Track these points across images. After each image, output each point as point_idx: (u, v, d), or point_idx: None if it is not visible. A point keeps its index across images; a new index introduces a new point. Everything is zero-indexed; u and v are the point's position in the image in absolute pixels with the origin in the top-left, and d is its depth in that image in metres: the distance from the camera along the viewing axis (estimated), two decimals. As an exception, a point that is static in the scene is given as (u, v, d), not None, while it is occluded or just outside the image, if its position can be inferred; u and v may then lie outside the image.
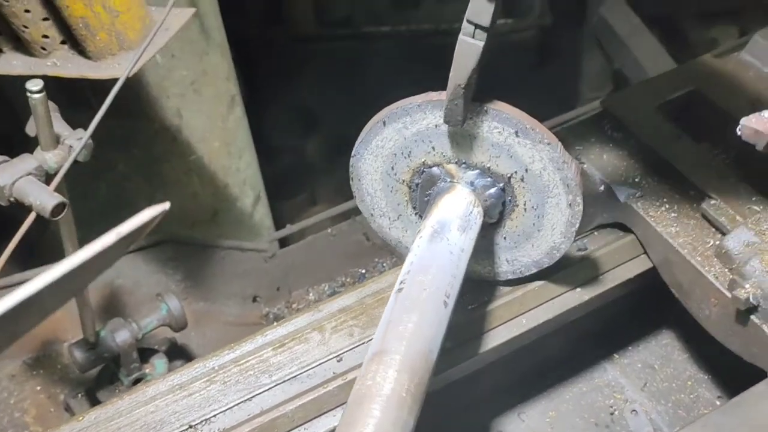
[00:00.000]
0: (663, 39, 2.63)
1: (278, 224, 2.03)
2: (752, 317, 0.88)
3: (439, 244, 0.85)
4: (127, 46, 1.03)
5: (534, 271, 0.98)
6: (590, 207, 1.05)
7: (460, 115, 0.82)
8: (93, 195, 1.59)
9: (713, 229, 0.97)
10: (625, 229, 1.05)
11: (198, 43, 1.48)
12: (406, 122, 0.87)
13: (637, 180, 1.04)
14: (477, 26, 0.76)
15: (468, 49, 0.78)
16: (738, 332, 0.91)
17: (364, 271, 1.83)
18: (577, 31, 2.68)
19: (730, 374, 1.09)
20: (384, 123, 0.88)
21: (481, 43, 0.77)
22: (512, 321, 0.99)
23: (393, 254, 1.76)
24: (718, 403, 1.08)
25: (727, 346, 0.94)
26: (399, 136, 0.88)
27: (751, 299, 0.86)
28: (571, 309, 1.00)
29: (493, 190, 0.89)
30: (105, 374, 1.38)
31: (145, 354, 1.42)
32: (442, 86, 0.89)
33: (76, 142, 0.96)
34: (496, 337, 0.98)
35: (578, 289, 1.01)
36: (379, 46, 2.93)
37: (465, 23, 0.77)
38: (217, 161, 1.66)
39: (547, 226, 0.92)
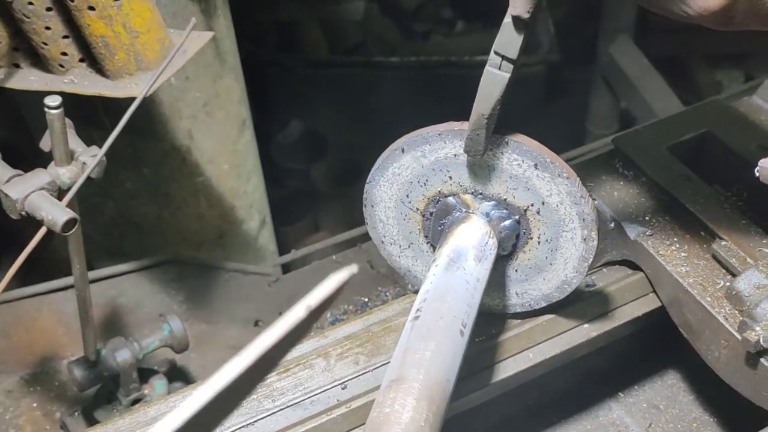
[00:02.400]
0: (669, 80, 2.65)
1: (281, 249, 2.03)
2: (762, 360, 0.87)
3: (455, 272, 0.84)
4: (145, 66, 1.04)
5: (543, 305, 0.97)
6: (600, 243, 1.04)
7: (482, 145, 0.82)
8: (100, 212, 1.59)
9: (724, 271, 0.97)
10: (634, 266, 1.05)
11: (212, 66, 1.49)
12: (425, 150, 0.87)
13: (647, 218, 1.04)
14: (504, 58, 0.77)
15: (494, 79, 0.78)
16: (747, 375, 0.90)
17: (367, 299, 1.82)
18: (585, 68, 2.71)
19: (736, 418, 1.08)
20: (403, 150, 0.88)
21: (508, 75, 0.78)
22: (519, 355, 0.98)
23: (397, 283, 1.75)
24: (723, 448, 1.07)
25: (736, 389, 0.93)
26: (417, 164, 0.88)
27: (761, 342, 0.86)
28: (578, 345, 1.00)
29: (508, 222, 0.89)
30: (103, 393, 1.36)
31: (145, 374, 1.41)
32: (450, 116, 0.90)
33: (90, 159, 0.96)
34: (503, 370, 0.97)
35: (586, 325, 1.01)
36: (389, 75, 2.97)
37: (492, 54, 0.78)
38: (225, 183, 1.66)
39: (560, 260, 0.91)
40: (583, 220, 0.87)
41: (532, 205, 0.88)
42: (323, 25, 3.03)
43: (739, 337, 0.88)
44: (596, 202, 1.07)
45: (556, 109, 3.01)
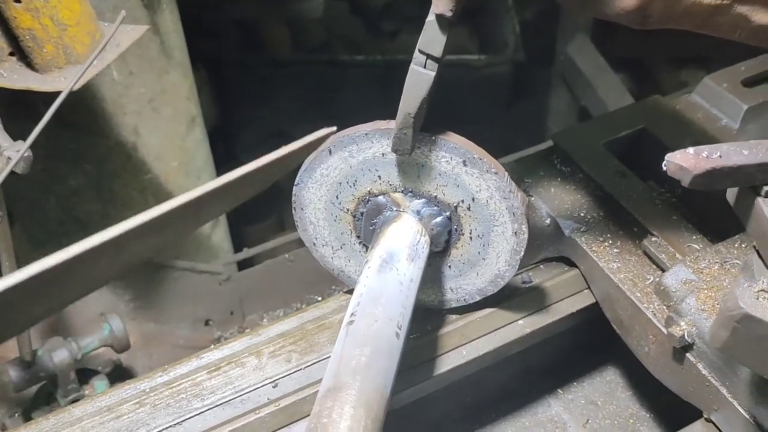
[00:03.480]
0: (634, 81, 2.68)
1: (243, 247, 2.01)
2: (688, 355, 0.88)
3: (388, 274, 0.84)
4: (75, 60, 1.02)
5: (478, 299, 0.98)
6: (536, 240, 1.05)
7: (409, 144, 0.82)
8: (42, 209, 1.56)
9: (654, 266, 0.97)
10: (570, 263, 1.05)
11: (157, 61, 1.47)
12: (352, 151, 0.87)
13: (582, 215, 1.04)
14: (429, 56, 0.77)
15: (419, 78, 0.78)
16: (674, 370, 0.90)
17: (320, 297, 1.82)
18: (548, 68, 2.72)
19: (672, 413, 1.09)
20: (330, 151, 0.87)
21: (433, 73, 0.78)
22: (453, 351, 0.98)
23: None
24: (659, 441, 1.08)
25: (665, 384, 0.94)
26: (345, 164, 0.88)
27: (686, 337, 0.86)
28: (513, 341, 0.99)
29: (439, 219, 0.89)
30: (42, 394, 1.34)
31: (87, 375, 1.39)
32: None
33: (14, 153, 0.94)
34: (436, 367, 0.97)
35: (520, 322, 1.00)
36: (355, 73, 2.96)
37: (417, 53, 0.78)
38: (174, 181, 1.64)
39: (492, 254, 0.92)
40: (513, 214, 0.87)
41: (463, 201, 0.88)
42: (287, 24, 3.01)
43: (666, 332, 0.89)
44: (533, 198, 1.07)
45: (520, 108, 3.02)
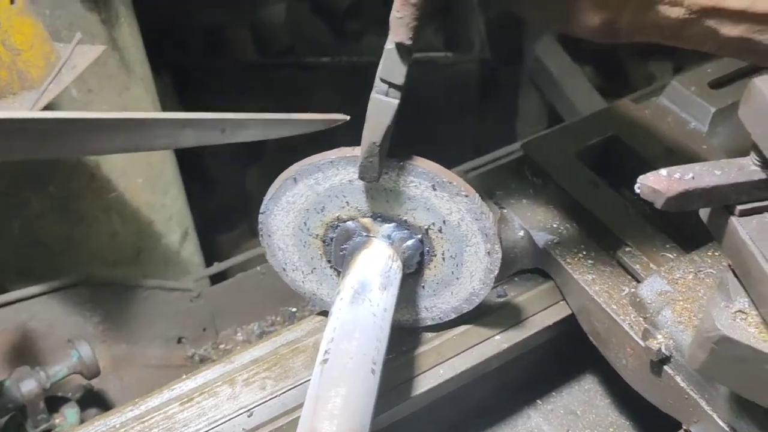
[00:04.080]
0: (603, 74, 2.68)
1: (216, 259, 1.98)
2: (666, 368, 0.87)
3: (361, 306, 0.82)
4: (30, 84, 0.99)
5: (453, 317, 0.97)
6: (510, 253, 1.04)
7: (376, 171, 0.81)
8: (6, 232, 1.51)
9: (629, 277, 0.97)
10: (545, 274, 1.04)
11: (117, 77, 1.43)
12: (318, 178, 0.85)
13: (555, 226, 1.03)
14: (391, 84, 0.75)
15: (382, 107, 0.77)
16: (653, 383, 0.90)
17: (294, 309, 1.79)
18: (515, 68, 2.72)
19: (651, 420, 1.08)
20: (295, 180, 0.85)
21: (396, 101, 0.77)
22: (430, 371, 0.96)
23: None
24: (639, 451, 1.08)
25: (645, 396, 0.93)
26: (311, 192, 0.86)
27: (663, 350, 0.86)
28: (490, 358, 0.98)
29: (410, 242, 0.88)
30: (11, 425, 1.30)
31: (57, 402, 1.35)
32: None
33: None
34: (414, 388, 0.95)
35: (497, 337, 0.99)
36: (321, 76, 2.93)
37: (378, 81, 0.76)
38: (140, 198, 1.61)
39: (466, 274, 0.91)
40: (486, 235, 0.86)
41: (434, 224, 0.86)
42: (251, 28, 2.98)
43: (643, 345, 0.88)
44: (505, 210, 1.06)
45: (489, 108, 3.02)
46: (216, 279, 1.85)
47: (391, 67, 0.74)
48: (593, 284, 0.96)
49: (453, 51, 2.93)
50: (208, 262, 1.89)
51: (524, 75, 2.60)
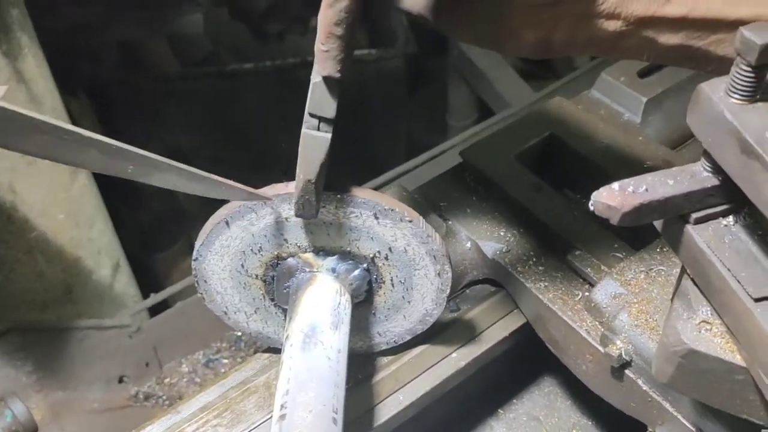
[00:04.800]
0: (529, 61, 2.69)
1: (155, 281, 1.90)
2: (627, 372, 0.86)
3: (313, 351, 0.78)
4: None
5: (408, 338, 0.93)
6: (459, 266, 1.01)
7: (313, 208, 0.76)
8: None
9: (581, 281, 0.95)
10: (497, 284, 1.02)
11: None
12: (251, 219, 0.80)
13: (502, 233, 1.01)
14: (321, 119, 0.71)
15: (315, 142, 0.72)
16: (615, 387, 0.88)
17: (240, 333, 1.73)
18: (442, 60, 2.71)
19: (614, 418, 1.08)
20: (227, 222, 0.80)
21: (329, 135, 0.72)
22: (389, 399, 0.93)
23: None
24: (606, 453, 1.07)
25: (607, 400, 0.92)
26: (245, 233, 0.81)
27: (623, 355, 0.84)
28: (449, 377, 0.95)
29: (356, 272, 0.84)
30: (-56, 497, 1.20)
31: (-7, 465, 1.26)
32: None
33: None
34: (374, 418, 0.91)
35: (454, 355, 0.96)
36: (246, 82, 2.86)
37: (307, 116, 0.71)
38: (64, 235, 1.52)
39: (417, 296, 0.88)
40: (434, 257, 0.83)
41: (379, 252, 0.83)
42: (169, 40, 2.88)
43: (603, 351, 0.87)
44: (450, 222, 1.03)
45: (418, 102, 3.00)
46: (155, 309, 1.78)
47: (320, 101, 0.69)
48: (546, 291, 0.94)
49: (378, 47, 2.90)
50: (147, 288, 1.82)
51: (450, 67, 2.59)
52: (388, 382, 0.93)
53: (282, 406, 0.73)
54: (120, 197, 1.99)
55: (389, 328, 0.92)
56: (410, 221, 0.79)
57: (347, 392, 0.91)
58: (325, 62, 0.66)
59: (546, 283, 0.95)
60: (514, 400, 1.13)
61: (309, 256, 0.83)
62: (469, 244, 1.01)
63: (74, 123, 1.61)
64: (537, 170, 1.07)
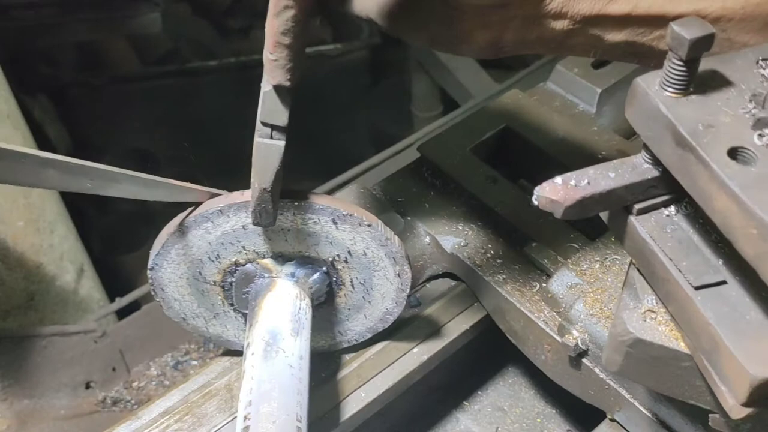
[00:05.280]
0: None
1: (123, 283, 1.88)
2: (584, 361, 0.87)
3: (275, 359, 0.77)
4: None
5: (369, 336, 0.94)
6: (418, 261, 1.02)
7: (270, 216, 0.76)
8: None
9: (539, 272, 0.96)
10: (456, 278, 1.03)
11: (-22, 119, 1.32)
12: (208, 227, 0.79)
13: (460, 227, 1.01)
14: (274, 127, 0.70)
15: (268, 151, 0.71)
16: (573, 376, 0.90)
17: (208, 334, 1.72)
18: (404, 51, 2.71)
19: (576, 406, 1.09)
20: (182, 231, 0.80)
21: (282, 143, 0.71)
22: (351, 396, 0.93)
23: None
24: (569, 439, 1.08)
25: (567, 389, 0.93)
26: (202, 241, 0.81)
27: (580, 344, 0.86)
28: (411, 372, 0.96)
29: (316, 276, 0.84)
30: None
31: (-43, 478, 1.24)
32: None
33: None
34: (338, 415, 0.92)
35: (415, 350, 0.97)
36: (209, 80, 2.84)
37: (259, 125, 0.71)
38: (24, 241, 1.50)
39: (377, 296, 0.88)
40: (393, 259, 0.84)
41: (338, 255, 0.83)
42: (128, 39, 2.84)
43: (560, 341, 0.88)
44: (409, 218, 1.03)
45: (382, 93, 3.00)
46: (123, 312, 1.76)
47: (271, 110, 0.69)
48: (505, 284, 0.95)
49: (342, 40, 2.89)
50: (115, 290, 1.80)
51: (412, 59, 2.59)
52: (350, 380, 0.93)
53: (245, 417, 0.73)
54: (86, 200, 1.97)
55: (350, 327, 0.92)
56: (369, 225, 0.80)
57: (310, 391, 0.91)
58: (273, 71, 0.65)
59: (504, 276, 0.96)
60: (479, 392, 1.14)
61: (267, 261, 0.82)
62: (428, 239, 1.01)
63: (36, 126, 1.59)
64: (493, 163, 1.08)
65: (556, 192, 0.59)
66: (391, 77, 2.98)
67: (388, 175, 1.12)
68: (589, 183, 0.60)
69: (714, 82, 0.56)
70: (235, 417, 0.90)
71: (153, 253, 0.82)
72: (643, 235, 0.61)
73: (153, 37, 2.78)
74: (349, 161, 2.03)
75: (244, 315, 0.86)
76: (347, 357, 0.96)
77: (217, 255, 0.82)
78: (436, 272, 1.03)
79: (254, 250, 0.82)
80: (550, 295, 0.91)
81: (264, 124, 0.70)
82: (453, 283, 1.04)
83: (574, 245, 0.96)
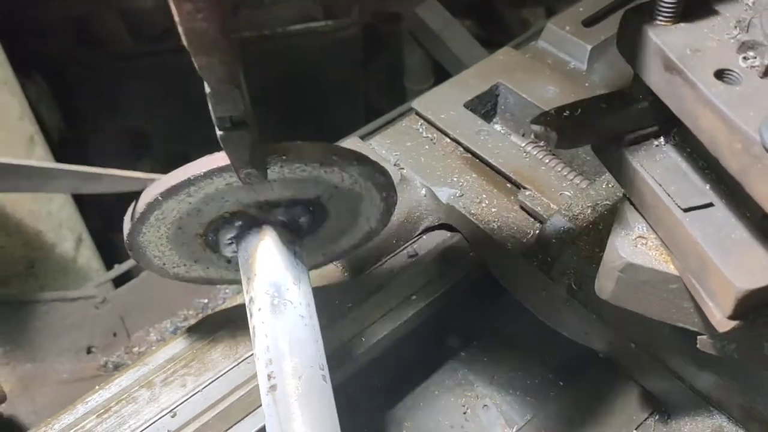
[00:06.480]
0: (482, 25, 2.71)
1: (119, 259, 1.89)
2: (576, 302, 0.90)
3: (285, 312, 0.76)
4: None
5: (352, 252, 0.94)
6: (415, 212, 1.04)
7: (258, 177, 0.74)
8: None
9: (532, 219, 0.99)
10: (452, 228, 1.05)
11: (-24, 84, 1.33)
12: (190, 191, 0.76)
13: (455, 179, 1.04)
14: (231, 119, 0.68)
15: (233, 140, 0.69)
16: (566, 317, 0.93)
17: (207, 300, 1.74)
18: (396, 26, 2.72)
19: (568, 352, 1.12)
20: (162, 197, 0.76)
21: (245, 130, 0.69)
22: (353, 340, 0.96)
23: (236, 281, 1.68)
24: (561, 384, 1.11)
25: (559, 331, 0.96)
26: (183, 204, 0.78)
27: (572, 285, 0.88)
28: (409, 318, 0.98)
29: (304, 217, 0.83)
30: None
31: (-37, 437, 1.26)
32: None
33: None
34: (339, 360, 0.94)
35: (413, 297, 1.00)
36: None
37: (217, 121, 0.68)
38: (22, 209, 1.51)
39: (363, 220, 0.88)
40: (380, 185, 0.82)
41: (325, 191, 0.82)
42: (123, 15, 2.83)
43: (553, 283, 0.90)
44: (404, 171, 1.05)
45: (376, 68, 3.01)
46: (119, 281, 1.77)
47: (221, 105, 0.65)
48: (500, 232, 0.98)
49: (332, 18, 2.89)
50: (111, 264, 1.81)
51: (405, 32, 2.60)
52: (350, 327, 0.96)
53: (269, 376, 0.73)
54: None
55: (334, 249, 0.92)
56: (357, 163, 0.79)
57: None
58: (208, 79, 0.63)
59: (498, 224, 0.98)
60: (474, 342, 1.15)
61: (254, 210, 0.80)
62: (423, 191, 1.04)
63: (32, 108, 1.59)
64: (486, 117, 1.10)
65: (550, 122, 0.62)
66: (384, 53, 2.99)
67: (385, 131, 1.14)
68: (581, 113, 0.62)
69: (701, 11, 0.58)
70: (240, 362, 0.93)
71: (131, 220, 0.79)
72: (634, 164, 0.64)
73: (147, 13, 2.77)
74: (344, 136, 2.04)
75: (228, 260, 0.86)
76: (348, 305, 0.98)
77: (199, 211, 0.79)
78: (432, 223, 1.05)
79: (239, 202, 0.79)
80: (543, 241, 0.93)
81: (220, 119, 0.67)
82: (449, 235, 1.06)
83: (567, 193, 0.99)
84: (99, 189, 0.71)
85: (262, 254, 0.80)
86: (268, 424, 0.71)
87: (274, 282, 0.78)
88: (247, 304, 0.80)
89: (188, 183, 0.75)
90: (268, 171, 0.76)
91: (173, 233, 0.82)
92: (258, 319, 0.77)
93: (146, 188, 0.76)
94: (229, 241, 0.83)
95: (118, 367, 1.62)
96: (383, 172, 0.82)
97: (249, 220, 0.81)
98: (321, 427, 0.70)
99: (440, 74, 2.51)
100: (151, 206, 0.77)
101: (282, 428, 0.70)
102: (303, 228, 0.84)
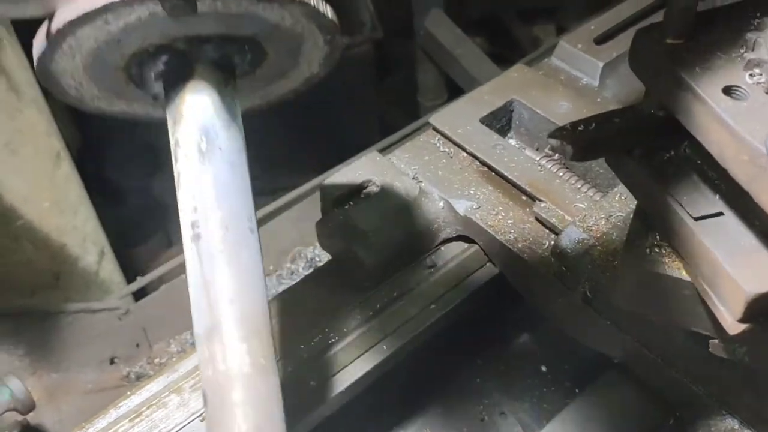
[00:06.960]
0: (493, 42, 2.75)
1: (135, 273, 1.93)
2: (592, 309, 0.93)
3: (213, 159, 0.70)
4: None
5: (289, 96, 0.88)
6: (433, 224, 1.07)
7: (186, 9, 0.66)
8: None
9: (547, 231, 1.02)
10: (469, 240, 1.08)
11: (7, 102, 1.38)
12: (107, 18, 0.68)
13: (472, 192, 1.07)
14: None
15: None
16: (582, 324, 0.95)
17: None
18: (408, 43, 2.76)
19: (584, 359, 1.15)
20: (72, 23, 0.67)
21: None
22: (374, 348, 0.99)
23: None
24: (577, 391, 1.14)
25: (577, 339, 0.99)
26: (100, 32, 0.69)
27: (588, 293, 0.91)
28: (429, 326, 1.02)
29: (238, 56, 0.75)
30: (-52, 475, 1.24)
31: (-7, 444, 1.30)
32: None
33: None
34: (360, 367, 0.97)
35: (432, 306, 1.03)
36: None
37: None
38: (49, 222, 1.56)
39: (304, 63, 0.82)
40: (325, 27, 0.76)
41: (262, 30, 0.74)
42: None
43: (568, 292, 0.93)
44: (423, 184, 1.09)
45: (389, 86, 3.05)
46: (139, 294, 1.82)
47: None
48: (516, 242, 1.01)
49: (345, 35, 2.94)
50: (128, 278, 1.85)
51: (417, 49, 2.64)
52: (372, 335, 0.99)
53: (193, 224, 0.68)
54: (98, 192, 2.02)
55: (272, 92, 0.87)
56: (300, 2, 0.71)
57: (335, 346, 0.97)
58: None
59: (515, 235, 1.02)
60: (491, 351, 1.19)
61: (182, 45, 0.71)
62: (441, 203, 1.07)
63: (53, 112, 1.64)
64: (501, 133, 1.14)
65: (565, 136, 0.65)
66: (397, 70, 3.04)
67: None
68: (596, 127, 0.66)
69: (710, 31, 0.62)
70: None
71: (41, 45, 0.70)
72: (646, 175, 0.67)
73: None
74: (359, 151, 2.08)
75: (153, 96, 0.78)
76: (369, 312, 1.01)
77: (119, 41, 0.71)
78: (449, 235, 1.08)
79: (165, 34, 0.71)
80: (558, 251, 0.96)
81: None
82: (466, 246, 1.09)
83: (581, 205, 1.02)
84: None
85: (191, 95, 0.72)
86: (190, 275, 0.68)
87: (203, 127, 0.71)
88: (172, 148, 0.72)
89: (105, 9, 0.67)
90: (198, 3, 0.68)
91: (90, 64, 0.74)
92: (183, 165, 0.70)
93: (58, 10, 0.68)
94: (156, 78, 0.75)
95: (140, 378, 1.66)
96: (329, 12, 0.75)
97: (177, 56, 0.73)
98: (247, 278, 0.68)
99: (453, 90, 2.55)
100: (63, 32, 0.69)
101: (205, 279, 0.67)
102: (237, 68, 0.77)
